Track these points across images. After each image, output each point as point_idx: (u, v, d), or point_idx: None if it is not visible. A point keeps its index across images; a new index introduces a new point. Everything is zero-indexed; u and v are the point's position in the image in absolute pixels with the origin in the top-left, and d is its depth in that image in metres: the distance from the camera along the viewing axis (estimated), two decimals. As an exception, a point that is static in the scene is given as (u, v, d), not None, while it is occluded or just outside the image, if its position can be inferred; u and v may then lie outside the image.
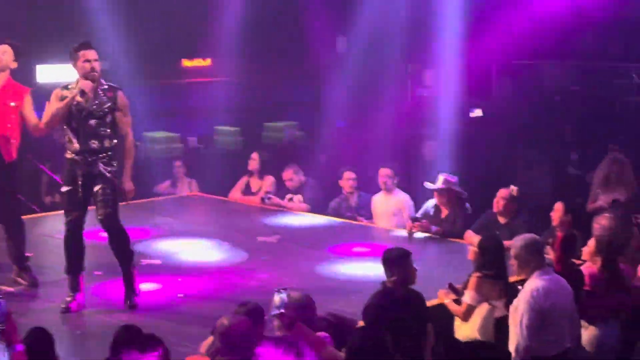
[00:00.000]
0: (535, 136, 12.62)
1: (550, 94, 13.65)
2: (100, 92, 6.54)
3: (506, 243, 7.12)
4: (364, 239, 8.72)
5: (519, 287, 6.09)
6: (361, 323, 5.73)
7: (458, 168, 9.75)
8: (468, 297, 6.17)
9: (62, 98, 6.51)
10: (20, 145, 7.08)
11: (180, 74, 14.33)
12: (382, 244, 7.81)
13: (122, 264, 6.71)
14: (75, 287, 6.64)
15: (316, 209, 9.76)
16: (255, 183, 10.26)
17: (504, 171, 11.45)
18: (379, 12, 13.25)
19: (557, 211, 7.82)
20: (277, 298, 5.03)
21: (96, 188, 6.53)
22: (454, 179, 8.67)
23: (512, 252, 5.91)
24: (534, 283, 5.81)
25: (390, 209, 9.25)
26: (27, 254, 7.20)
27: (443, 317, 6.24)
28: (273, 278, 7.29)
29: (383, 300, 5.71)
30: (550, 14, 12.65)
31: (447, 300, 6.35)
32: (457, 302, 6.31)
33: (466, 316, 6.16)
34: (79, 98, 6.45)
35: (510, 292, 6.19)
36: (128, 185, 6.69)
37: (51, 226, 8.71)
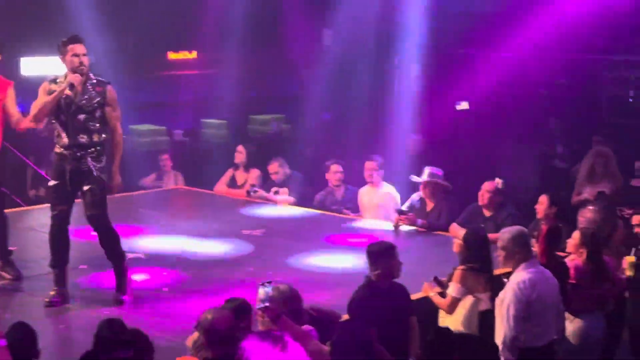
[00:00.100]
0: (521, 129, 12.64)
1: (536, 87, 13.69)
2: (90, 87, 6.51)
3: (491, 236, 7.15)
4: (350, 232, 8.72)
5: (505, 279, 6.11)
6: (345, 317, 5.74)
7: (444, 161, 9.74)
8: (453, 290, 6.18)
9: (50, 92, 6.47)
10: (3, 138, 7.04)
11: (166, 67, 14.29)
12: (368, 237, 7.83)
13: (112, 262, 6.72)
14: (59, 281, 6.62)
15: (302, 202, 9.75)
16: (240, 176, 10.24)
17: (489, 164, 11.47)
18: (364, 5, 13.25)
19: (542, 204, 7.84)
20: (262, 291, 5.02)
21: (85, 187, 6.52)
22: (439, 172, 8.67)
23: (499, 243, 5.93)
24: (520, 275, 5.83)
25: (376, 201, 9.25)
26: (10, 248, 7.17)
27: (427, 310, 6.24)
28: (258, 271, 7.28)
29: (367, 293, 5.72)
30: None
31: (432, 293, 6.36)
32: (442, 295, 6.32)
33: (451, 309, 6.17)
34: (68, 92, 6.42)
35: (494, 285, 6.21)
36: (116, 178, 6.68)
37: (35, 220, 8.68)
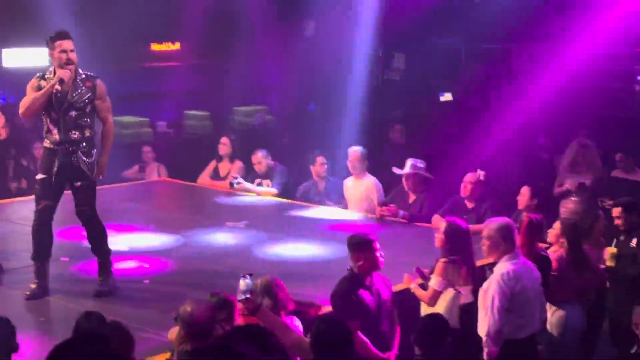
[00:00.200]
0: (505, 120, 12.65)
1: (519, 78, 13.70)
2: (79, 83, 6.50)
3: (473, 227, 7.17)
4: (332, 223, 8.73)
5: (488, 271, 6.13)
6: (325, 309, 5.74)
7: (427, 152, 9.76)
8: (434, 282, 6.20)
9: (39, 88, 6.45)
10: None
11: (149, 58, 14.22)
12: (350, 228, 7.83)
13: (98, 257, 6.72)
14: (40, 274, 6.60)
15: (285, 193, 9.75)
16: (224, 168, 10.23)
17: (472, 156, 11.49)
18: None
19: (524, 195, 7.88)
20: (243, 283, 5.03)
21: (77, 183, 6.55)
22: (421, 163, 8.68)
23: (486, 232, 5.94)
24: (504, 267, 5.84)
25: (360, 193, 9.24)
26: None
27: (409, 302, 6.25)
28: (241, 263, 7.27)
29: (350, 285, 5.72)
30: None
31: (413, 285, 6.37)
32: (423, 287, 6.33)
33: (432, 301, 6.18)
34: (57, 87, 6.40)
35: (476, 278, 6.23)
36: (103, 166, 6.66)
37: (16, 212, 8.65)
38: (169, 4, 13.20)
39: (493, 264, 6.07)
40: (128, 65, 13.09)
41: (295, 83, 13.80)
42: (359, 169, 9.12)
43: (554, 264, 6.63)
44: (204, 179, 10.34)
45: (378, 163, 9.79)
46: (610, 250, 7.12)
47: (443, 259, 6.24)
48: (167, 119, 13.53)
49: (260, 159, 9.82)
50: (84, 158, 6.52)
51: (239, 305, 5.01)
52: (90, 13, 11.98)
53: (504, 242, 5.88)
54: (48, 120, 6.50)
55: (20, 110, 6.56)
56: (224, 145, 10.20)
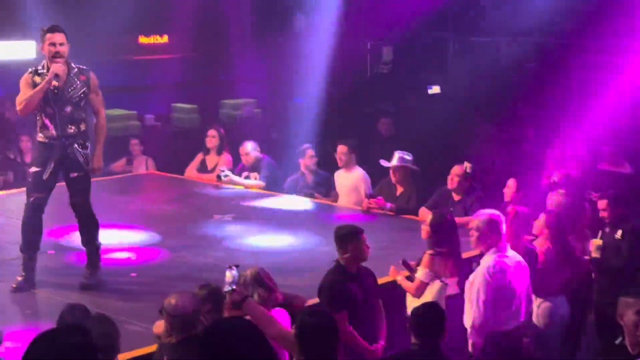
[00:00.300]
0: (492, 113, 12.69)
1: (506, 71, 13.74)
2: (73, 77, 6.50)
3: (460, 220, 7.19)
4: (320, 216, 8.74)
5: (474, 263, 6.15)
6: (311, 301, 5.75)
7: (415, 145, 9.76)
8: (421, 274, 6.21)
9: (34, 84, 6.44)
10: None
11: (137, 51, 14.19)
12: (337, 221, 7.84)
13: (87, 249, 6.72)
14: (28, 266, 6.59)
15: (272, 186, 9.74)
16: (211, 160, 10.20)
17: (460, 148, 11.51)
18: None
19: (510, 187, 7.90)
20: (229, 274, 5.03)
21: (72, 175, 6.56)
22: (409, 156, 8.69)
23: (475, 223, 5.97)
24: (491, 260, 5.87)
25: (348, 185, 9.25)
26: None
27: (395, 294, 6.27)
28: (228, 255, 7.28)
29: (338, 277, 5.73)
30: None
31: (399, 277, 6.39)
32: (410, 278, 6.35)
33: (418, 293, 6.19)
34: (55, 82, 6.39)
35: (462, 270, 6.25)
36: (98, 161, 6.67)
37: (3, 205, 8.61)
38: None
39: (480, 256, 6.09)
40: (116, 58, 13.07)
41: (284, 76, 13.78)
42: (346, 162, 9.14)
43: (540, 257, 6.66)
44: (191, 171, 10.32)
45: (366, 156, 9.80)
46: (596, 242, 7.15)
47: (429, 251, 6.26)
48: (155, 112, 13.51)
49: (248, 150, 9.80)
50: (80, 150, 6.55)
51: (226, 297, 5.02)
52: (77, 6, 11.94)
53: (491, 235, 5.91)
54: (43, 115, 6.49)
55: (18, 108, 6.54)
56: (212, 138, 10.18)
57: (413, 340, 4.89)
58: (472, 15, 13.34)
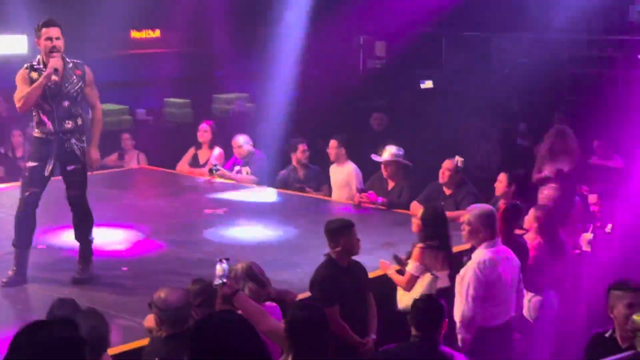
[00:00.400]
0: (485, 107, 12.70)
1: (500, 66, 13.76)
2: (69, 72, 6.49)
3: (451, 214, 7.21)
4: (311, 210, 8.74)
5: (465, 257, 6.16)
6: (301, 296, 5.76)
7: (408, 139, 9.77)
8: (411, 267, 6.23)
9: (31, 79, 6.42)
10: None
11: (129, 46, 14.15)
12: (328, 215, 7.85)
13: (80, 243, 6.71)
14: (19, 261, 6.58)
15: (264, 181, 9.74)
16: (203, 155, 10.19)
17: (452, 142, 11.51)
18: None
19: (501, 182, 7.91)
20: (219, 268, 5.04)
21: (70, 168, 6.57)
22: (400, 150, 8.70)
23: (467, 217, 5.98)
24: (481, 254, 5.87)
25: (340, 180, 9.26)
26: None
27: (385, 287, 6.28)
28: (219, 250, 7.27)
29: (330, 271, 5.74)
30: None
31: (390, 271, 6.40)
32: (400, 272, 6.36)
33: (409, 286, 6.21)
34: (55, 77, 6.38)
35: (453, 263, 6.26)
36: (94, 154, 6.66)
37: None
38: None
39: (471, 250, 6.10)
40: (108, 53, 13.02)
41: (277, 71, 13.76)
42: (337, 156, 9.16)
43: (531, 252, 6.67)
44: (183, 166, 10.31)
45: (358, 151, 9.79)
46: (587, 236, 7.18)
47: (420, 244, 6.27)
48: (147, 106, 13.48)
49: (241, 142, 9.80)
50: (78, 143, 6.56)
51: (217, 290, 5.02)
52: (69, 0, 11.89)
53: (483, 229, 5.91)
54: (40, 112, 6.48)
55: (18, 105, 6.52)
56: (203, 133, 10.17)
57: (413, 332, 4.89)
58: (465, 11, 13.32)
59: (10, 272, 6.53)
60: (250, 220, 8.36)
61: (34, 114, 6.52)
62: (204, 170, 9.99)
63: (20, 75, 6.47)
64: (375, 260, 6.48)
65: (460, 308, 5.82)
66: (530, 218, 6.87)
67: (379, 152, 8.80)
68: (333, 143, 9.15)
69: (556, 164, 8.78)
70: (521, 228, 6.94)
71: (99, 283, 6.58)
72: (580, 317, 7.35)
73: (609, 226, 7.15)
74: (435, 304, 5.03)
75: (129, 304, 6.05)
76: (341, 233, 5.80)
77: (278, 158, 10.07)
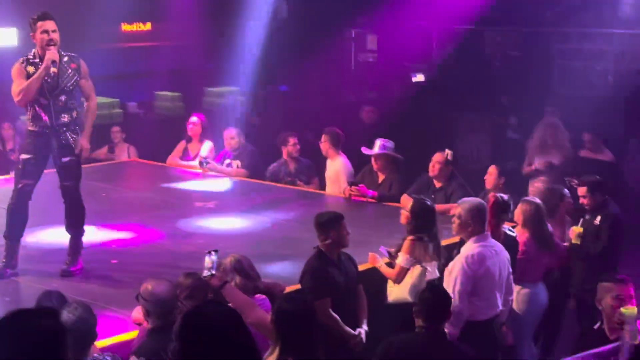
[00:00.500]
0: (476, 101, 12.71)
1: (491, 59, 13.76)
2: (65, 65, 6.49)
3: (441, 207, 7.22)
4: (302, 203, 8.74)
5: (455, 251, 6.16)
6: (289, 288, 5.77)
7: (399, 132, 9.77)
8: (401, 259, 6.23)
9: (28, 73, 6.41)
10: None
11: (120, 39, 14.10)
12: (318, 208, 7.85)
13: (71, 235, 6.71)
14: (9, 253, 6.59)
15: (254, 174, 9.74)
16: (193, 148, 10.18)
17: (444, 136, 11.53)
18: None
19: (491, 174, 7.92)
20: (208, 260, 5.04)
21: (65, 159, 6.56)
22: (390, 143, 8.70)
23: (457, 210, 5.99)
24: (470, 248, 5.88)
25: (331, 173, 9.26)
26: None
27: (375, 280, 6.28)
28: (209, 243, 7.26)
29: (320, 264, 5.75)
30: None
31: (379, 263, 6.40)
32: (390, 265, 6.37)
33: (399, 278, 6.21)
34: (54, 69, 6.37)
35: (442, 255, 6.27)
36: (85, 143, 6.65)
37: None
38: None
39: (461, 244, 6.11)
40: (98, 46, 12.97)
41: (269, 64, 13.75)
42: (326, 150, 9.16)
43: (520, 247, 6.67)
44: (174, 159, 10.30)
45: (349, 144, 9.79)
46: (576, 229, 7.18)
47: (410, 237, 6.27)
48: (138, 99, 13.45)
49: (233, 134, 9.80)
50: (73, 135, 6.57)
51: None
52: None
53: (473, 223, 5.92)
54: (36, 106, 6.46)
55: (17, 99, 6.51)
56: (194, 126, 10.16)
57: (420, 323, 4.87)
58: (456, 4, 13.31)
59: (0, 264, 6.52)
60: (240, 213, 8.35)
61: (28, 107, 6.51)
62: (194, 164, 9.97)
63: (16, 69, 6.46)
64: (364, 253, 6.48)
65: (448, 302, 5.81)
66: (518, 212, 6.87)
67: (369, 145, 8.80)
68: (323, 138, 9.16)
69: (546, 157, 8.82)
70: (511, 221, 6.94)
71: (87, 276, 6.58)
72: (569, 309, 7.37)
73: (599, 218, 7.16)
74: (444, 295, 5.03)
75: (118, 296, 6.05)
76: (331, 226, 5.80)
77: (269, 151, 10.06)
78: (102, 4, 12.42)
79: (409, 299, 6.11)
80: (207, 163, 9.70)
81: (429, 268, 6.19)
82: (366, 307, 5.95)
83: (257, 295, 5.33)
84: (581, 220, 7.32)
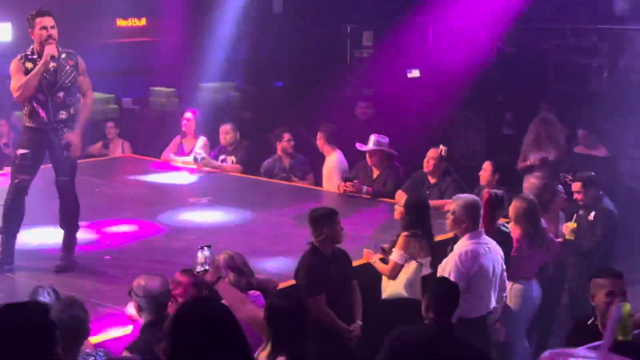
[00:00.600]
0: (471, 96, 12.70)
1: (486, 55, 13.73)
2: (63, 62, 6.47)
3: (435, 202, 7.22)
4: (296, 199, 8.73)
5: (449, 247, 6.16)
6: (282, 284, 5.76)
7: (394, 128, 9.76)
8: (396, 255, 6.23)
9: (26, 69, 6.40)
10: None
11: (115, 34, 14.07)
12: (313, 204, 7.84)
13: (65, 230, 6.70)
14: (5, 248, 6.59)
15: (249, 169, 9.72)
16: (188, 143, 10.17)
17: (439, 131, 11.52)
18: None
19: (486, 170, 7.92)
20: (201, 255, 5.04)
21: (61, 155, 6.55)
22: (385, 139, 8.69)
23: (451, 206, 5.99)
24: (464, 245, 5.88)
25: (327, 169, 9.25)
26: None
27: (369, 276, 6.28)
28: (202, 239, 7.23)
29: (314, 260, 5.75)
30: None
31: (374, 259, 6.40)
32: (384, 261, 6.36)
33: (393, 274, 6.22)
34: (53, 64, 6.36)
35: (436, 251, 6.27)
36: (75, 138, 6.60)
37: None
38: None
39: (455, 240, 6.10)
40: (93, 42, 12.94)
41: (263, 60, 13.73)
42: (320, 146, 9.15)
43: (514, 244, 6.67)
44: (168, 155, 10.28)
45: (344, 140, 9.78)
46: (570, 225, 7.19)
47: (404, 233, 6.28)
48: (133, 95, 13.43)
49: (230, 129, 9.80)
50: (70, 131, 6.56)
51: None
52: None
53: (467, 219, 5.92)
54: (34, 102, 6.45)
55: (15, 95, 6.50)
56: (188, 121, 10.15)
57: (429, 315, 4.86)
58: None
59: (-5, 259, 6.53)
60: (234, 209, 8.34)
61: (26, 104, 6.50)
62: (189, 159, 9.95)
63: (14, 66, 6.46)
64: (359, 249, 6.48)
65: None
66: (511, 209, 6.87)
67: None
68: (318, 134, 9.15)
69: (541, 152, 8.79)
70: (505, 217, 6.94)
71: (81, 271, 6.56)
72: (563, 305, 7.38)
73: (592, 214, 7.16)
74: (454, 287, 5.01)
75: (111, 291, 6.03)
76: (325, 221, 5.80)
77: (263, 147, 10.05)
78: (96, -1, 12.41)
79: (404, 294, 6.13)
80: (202, 159, 9.68)
81: (423, 263, 6.19)
82: (361, 302, 5.95)
83: (251, 292, 5.33)
84: (575, 216, 7.33)
